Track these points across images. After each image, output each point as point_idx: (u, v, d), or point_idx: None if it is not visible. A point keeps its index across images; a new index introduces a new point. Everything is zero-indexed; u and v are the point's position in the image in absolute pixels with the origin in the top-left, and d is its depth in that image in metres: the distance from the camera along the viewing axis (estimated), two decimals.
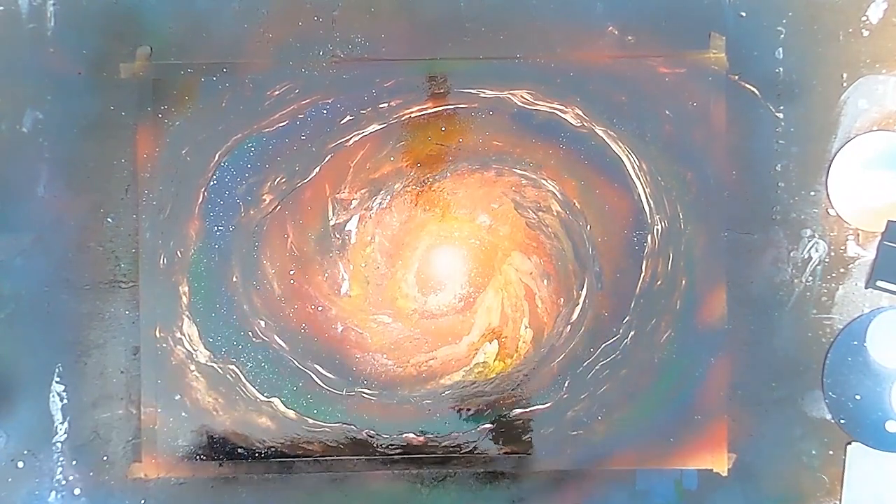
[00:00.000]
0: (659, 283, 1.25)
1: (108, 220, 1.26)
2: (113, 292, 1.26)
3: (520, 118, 1.25)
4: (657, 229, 1.25)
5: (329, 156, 1.25)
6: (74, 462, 1.25)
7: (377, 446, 1.25)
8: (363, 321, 1.26)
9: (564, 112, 1.25)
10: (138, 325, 1.25)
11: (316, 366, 1.25)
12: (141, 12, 1.26)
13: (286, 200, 1.25)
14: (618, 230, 1.25)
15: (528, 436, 1.25)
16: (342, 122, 1.25)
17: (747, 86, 1.24)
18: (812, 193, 1.25)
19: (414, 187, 1.26)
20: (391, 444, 1.25)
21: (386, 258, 1.26)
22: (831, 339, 1.24)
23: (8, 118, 1.25)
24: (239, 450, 1.25)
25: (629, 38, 1.24)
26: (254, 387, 1.25)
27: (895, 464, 1.23)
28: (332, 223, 1.26)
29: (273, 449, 1.25)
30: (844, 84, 1.24)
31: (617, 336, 1.25)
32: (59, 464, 1.25)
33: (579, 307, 1.25)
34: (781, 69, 1.24)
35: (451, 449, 1.25)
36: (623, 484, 1.25)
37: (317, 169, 1.25)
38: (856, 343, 1.24)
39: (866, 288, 1.24)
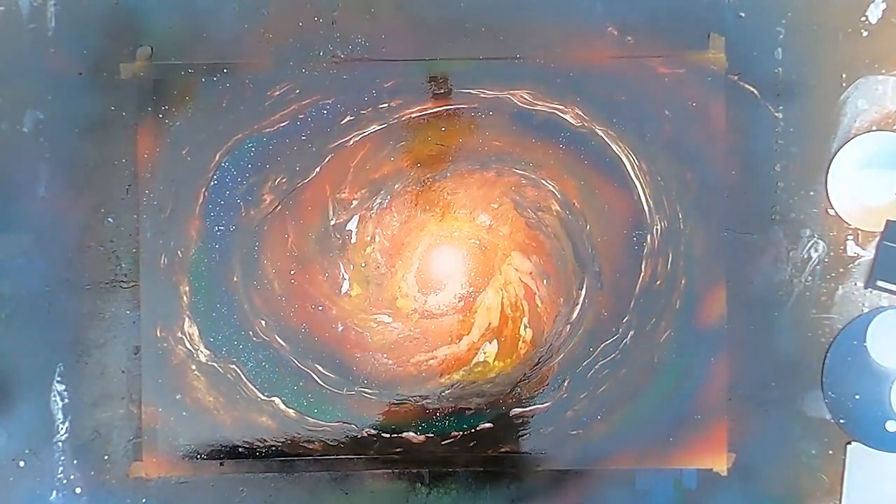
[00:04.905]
0: (658, 282, 1.25)
1: (109, 220, 1.26)
2: (113, 292, 1.26)
3: (520, 118, 1.25)
4: (657, 229, 1.25)
5: (329, 156, 1.25)
6: (75, 461, 1.25)
7: (377, 446, 1.25)
8: (363, 321, 1.26)
9: (564, 112, 1.25)
10: (139, 325, 1.25)
11: (316, 365, 1.25)
12: (141, 13, 1.26)
13: (286, 200, 1.25)
14: (618, 230, 1.25)
15: (528, 435, 1.25)
16: (342, 122, 1.25)
17: (747, 86, 1.25)
18: (811, 193, 1.25)
19: (414, 187, 1.26)
20: (391, 444, 1.25)
21: (386, 258, 1.26)
22: (831, 339, 1.24)
23: (8, 118, 1.25)
24: (240, 449, 1.25)
25: (629, 38, 1.25)
26: (254, 386, 1.25)
27: (895, 464, 1.23)
28: (332, 223, 1.26)
29: (274, 448, 1.25)
30: (844, 84, 1.24)
31: (616, 336, 1.25)
32: (61, 463, 1.25)
33: (579, 307, 1.25)
34: (781, 69, 1.24)
35: (451, 449, 1.25)
36: (623, 484, 1.25)
37: (317, 169, 1.25)
38: (856, 343, 1.24)
39: (866, 288, 1.24)
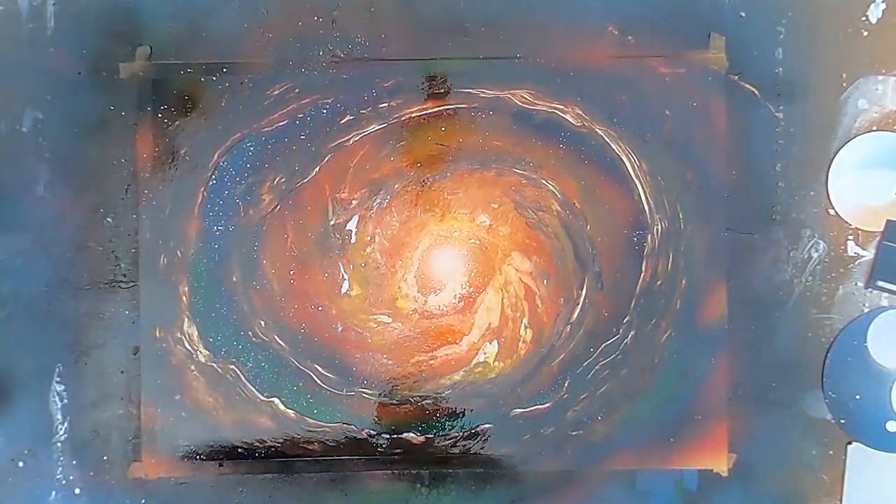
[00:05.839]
0: (659, 283, 1.25)
1: (108, 220, 1.26)
2: (113, 292, 1.26)
3: (520, 118, 1.25)
4: (657, 229, 1.25)
5: (329, 156, 1.25)
6: (74, 462, 1.25)
7: (377, 446, 1.25)
8: (363, 321, 1.26)
9: (564, 112, 1.25)
10: (138, 325, 1.25)
11: (316, 366, 1.25)
12: (141, 12, 1.26)
13: (286, 200, 1.25)
14: (618, 230, 1.25)
15: (528, 436, 1.25)
16: (342, 122, 1.25)
17: (747, 86, 1.25)
18: (812, 193, 1.25)
19: (414, 187, 1.26)
20: (391, 444, 1.25)
21: (386, 258, 1.26)
22: (831, 339, 1.24)
23: (8, 118, 1.25)
24: (239, 450, 1.25)
25: (629, 38, 1.24)
26: (254, 387, 1.25)
27: (895, 464, 1.23)
28: (332, 223, 1.26)
29: (273, 449, 1.25)
30: (844, 84, 1.24)
31: (617, 336, 1.25)
32: (60, 463, 1.25)
33: (579, 307, 1.25)
34: (781, 69, 1.24)
35: (451, 449, 1.25)
36: (623, 484, 1.25)
37: (317, 169, 1.25)
38: (856, 343, 1.24)
39: (866, 288, 1.24)
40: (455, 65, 1.25)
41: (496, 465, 1.25)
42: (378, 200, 1.26)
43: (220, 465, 1.25)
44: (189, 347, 1.25)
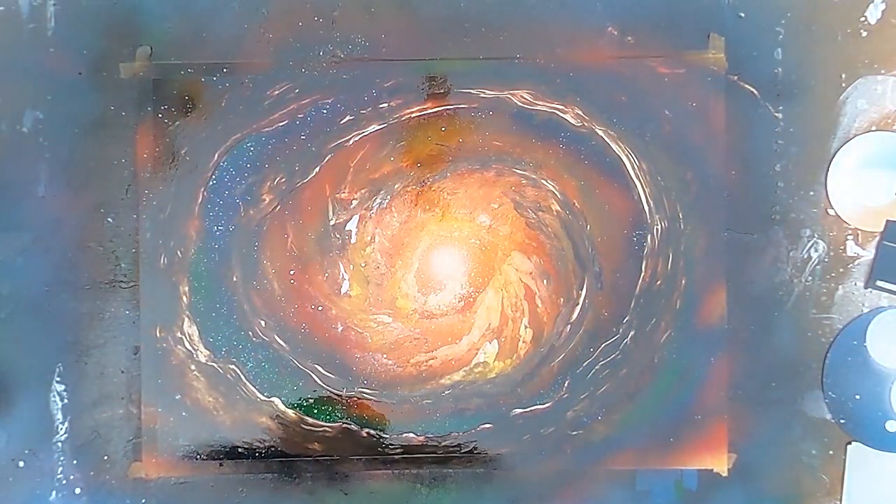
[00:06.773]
0: (659, 282, 1.25)
1: (109, 219, 1.26)
2: (113, 292, 1.26)
3: (520, 118, 1.25)
4: (657, 229, 1.25)
5: (329, 156, 1.25)
6: (75, 461, 1.25)
7: (377, 446, 1.25)
8: (363, 321, 1.26)
9: (564, 112, 1.25)
10: (138, 325, 1.25)
11: (316, 365, 1.25)
12: (141, 12, 1.26)
13: (286, 200, 1.25)
14: (618, 230, 1.25)
15: (528, 436, 1.25)
16: (342, 122, 1.25)
17: (746, 86, 1.25)
18: (811, 193, 1.25)
19: (414, 187, 1.26)
20: (391, 444, 1.25)
21: (386, 258, 1.26)
22: (831, 339, 1.24)
23: (8, 118, 1.25)
24: (239, 449, 1.25)
25: (629, 38, 1.25)
26: (254, 386, 1.25)
27: (895, 464, 1.23)
28: (332, 223, 1.26)
29: (273, 448, 1.25)
30: (843, 84, 1.24)
31: (617, 336, 1.25)
32: (60, 463, 1.25)
33: (579, 307, 1.25)
34: (780, 69, 1.25)
35: (451, 449, 1.25)
36: (623, 484, 1.25)
37: (317, 169, 1.25)
38: (855, 343, 1.24)
39: (865, 288, 1.24)
40: (455, 65, 1.25)
41: (496, 465, 1.25)
42: (378, 200, 1.26)
43: (221, 464, 1.25)
44: (189, 347, 1.25)
